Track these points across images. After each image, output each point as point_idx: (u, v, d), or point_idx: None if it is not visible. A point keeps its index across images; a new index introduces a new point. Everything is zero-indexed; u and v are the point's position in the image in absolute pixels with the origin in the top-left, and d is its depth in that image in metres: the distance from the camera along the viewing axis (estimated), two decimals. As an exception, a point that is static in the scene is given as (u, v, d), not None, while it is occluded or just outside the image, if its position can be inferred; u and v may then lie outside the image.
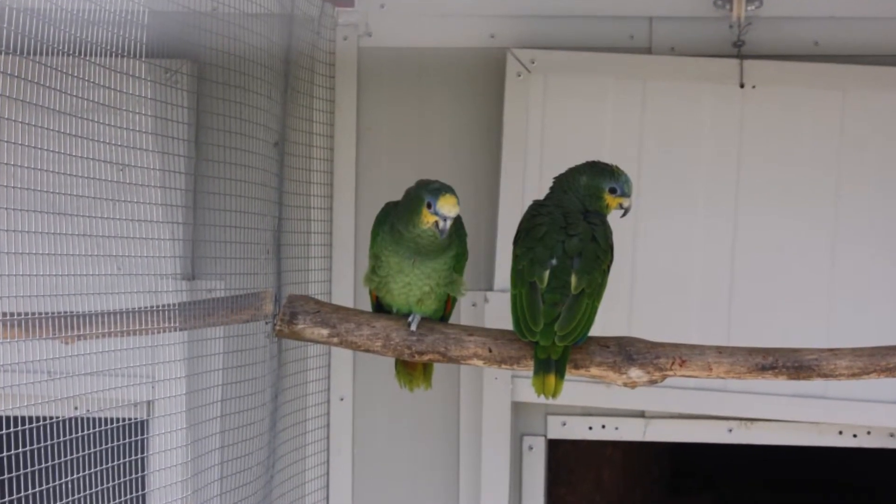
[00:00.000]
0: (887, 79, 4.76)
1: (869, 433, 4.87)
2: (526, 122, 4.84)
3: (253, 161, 4.13)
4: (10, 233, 2.86)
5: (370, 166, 5.02)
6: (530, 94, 4.84)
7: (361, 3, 4.97)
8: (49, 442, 3.03)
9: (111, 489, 3.27)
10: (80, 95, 3.09)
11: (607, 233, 3.85)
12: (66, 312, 3.05)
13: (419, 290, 3.87)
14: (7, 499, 2.83)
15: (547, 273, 3.77)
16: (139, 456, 3.43)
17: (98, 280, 3.19)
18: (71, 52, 3.01)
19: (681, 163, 4.83)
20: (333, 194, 4.98)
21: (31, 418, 2.92)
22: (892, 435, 4.86)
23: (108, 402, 3.37)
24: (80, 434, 3.14)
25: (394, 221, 3.84)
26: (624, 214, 3.92)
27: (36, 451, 2.94)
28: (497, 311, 4.74)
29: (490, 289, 4.87)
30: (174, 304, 3.55)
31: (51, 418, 3.04)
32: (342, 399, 5.01)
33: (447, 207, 3.71)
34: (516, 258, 3.85)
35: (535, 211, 3.90)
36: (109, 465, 3.26)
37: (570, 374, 3.78)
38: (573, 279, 3.76)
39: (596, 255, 3.79)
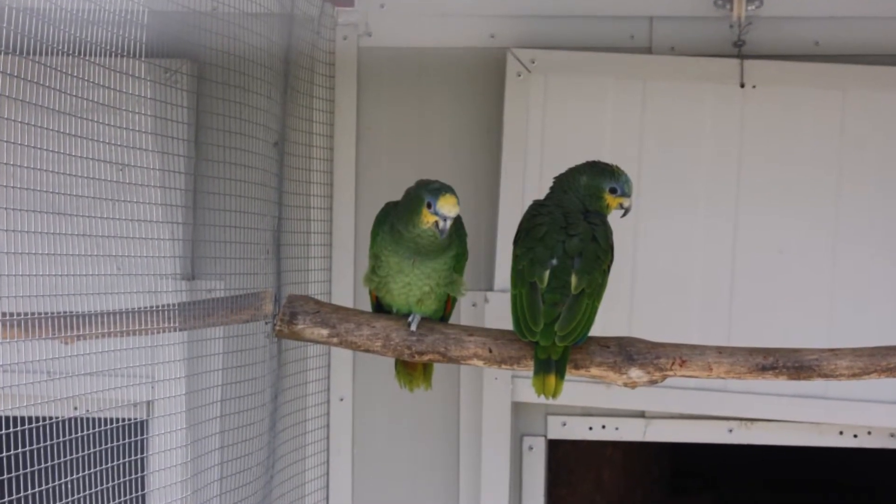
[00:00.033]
0: (888, 78, 4.76)
1: (869, 433, 4.87)
2: (526, 122, 4.84)
3: (253, 161, 4.13)
4: (10, 233, 2.85)
5: (370, 166, 5.02)
6: (530, 94, 4.83)
7: (361, 2, 4.96)
8: (49, 442, 3.02)
9: (111, 489, 3.27)
10: (80, 95, 3.09)
11: (608, 233, 3.85)
12: (65, 312, 3.04)
13: (419, 290, 3.87)
14: (7, 499, 2.82)
15: (547, 273, 3.76)
16: (139, 456, 3.43)
17: (98, 280, 3.18)
18: (70, 52, 3.00)
19: (681, 163, 4.83)
20: (333, 194, 4.98)
21: (30, 418, 2.92)
22: (892, 435, 4.86)
23: (108, 403, 3.37)
24: (79, 434, 3.13)
25: (394, 221, 3.84)
26: (624, 214, 3.92)
27: (36, 452, 2.93)
28: (497, 311, 4.73)
29: (490, 289, 4.86)
30: (174, 305, 3.55)
31: (50, 418, 3.04)
32: (342, 399, 5.01)
33: (447, 207, 3.71)
34: (516, 258, 3.84)
35: (536, 211, 3.89)
36: (109, 465, 3.25)
37: (570, 375, 3.78)
38: (573, 279, 3.75)
39: (596, 255, 3.79)
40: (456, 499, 4.97)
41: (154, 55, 3.31)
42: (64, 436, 3.08)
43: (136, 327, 3.35)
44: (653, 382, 3.87)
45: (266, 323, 3.96)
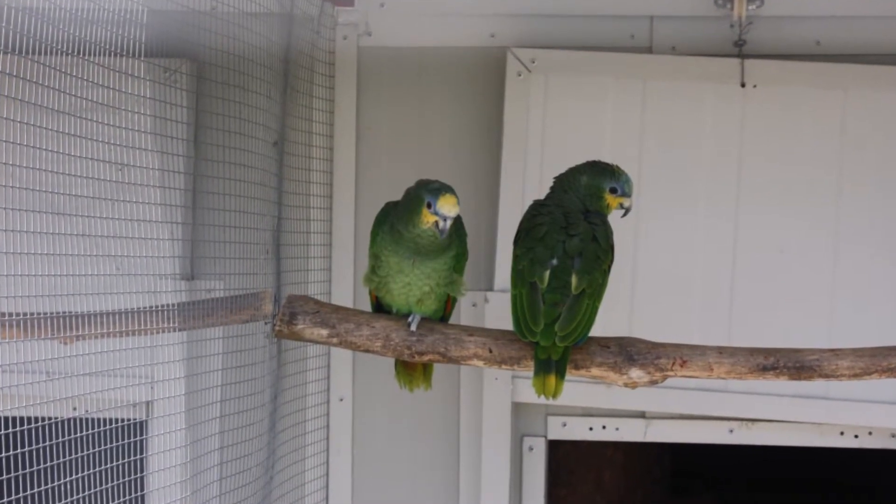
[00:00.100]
0: (888, 78, 4.76)
1: (870, 434, 4.86)
2: (526, 122, 4.84)
3: (252, 161, 4.12)
4: (9, 233, 2.85)
5: (370, 166, 5.01)
6: (531, 94, 4.83)
7: (361, 2, 4.96)
8: (48, 442, 3.02)
9: (110, 490, 3.27)
10: (79, 95, 3.08)
11: (608, 233, 3.84)
12: (64, 313, 3.04)
13: (419, 291, 3.86)
14: (6, 499, 2.82)
15: (547, 273, 3.76)
16: (138, 456, 3.42)
17: (97, 280, 3.18)
18: (70, 52, 3.00)
19: (681, 162, 4.83)
20: (333, 194, 4.97)
21: (29, 419, 2.91)
22: (893, 435, 4.85)
23: (107, 403, 3.36)
24: (79, 435, 3.13)
25: (394, 221, 3.83)
26: (624, 214, 3.91)
27: (35, 452, 2.93)
28: (497, 311, 4.73)
29: (490, 289, 4.86)
30: (173, 305, 3.54)
31: (50, 419, 3.04)
32: (342, 399, 5.00)
33: (447, 207, 3.70)
34: (516, 258, 3.84)
35: (536, 211, 3.89)
36: (109, 465, 3.25)
37: (570, 375, 3.77)
38: (574, 279, 3.75)
39: (596, 255, 3.78)
40: (456, 499, 4.97)
41: (153, 55, 3.30)
42: (63, 436, 3.08)
43: (136, 327, 3.34)
44: (653, 383, 3.86)
45: (266, 323, 3.95)
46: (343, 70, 4.97)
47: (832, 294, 4.78)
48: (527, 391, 4.26)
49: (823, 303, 4.78)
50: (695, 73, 4.81)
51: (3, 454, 2.79)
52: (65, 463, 3.08)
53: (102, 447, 3.22)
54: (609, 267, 3.85)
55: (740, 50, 4.80)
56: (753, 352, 3.84)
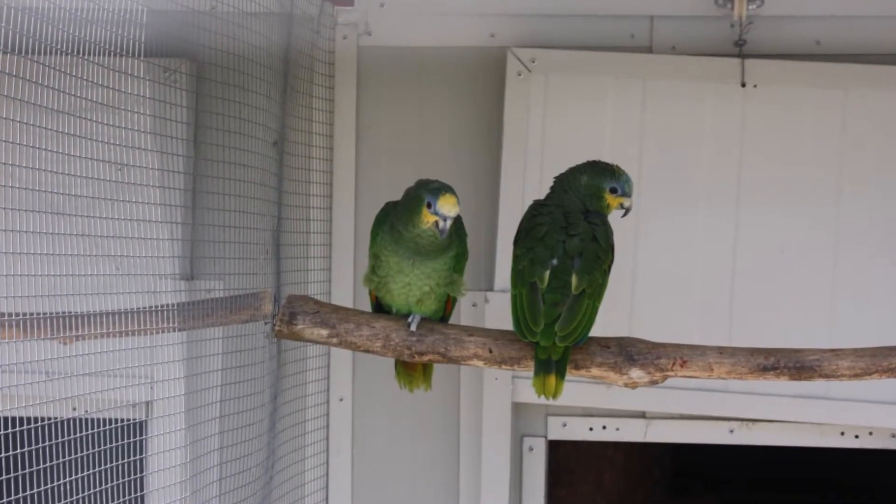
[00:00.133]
0: (889, 78, 4.75)
1: (871, 434, 4.86)
2: (526, 122, 4.83)
3: (252, 161, 4.12)
4: (8, 233, 2.85)
5: (370, 166, 5.01)
6: (531, 94, 4.83)
7: (361, 2, 4.95)
8: (47, 443, 3.02)
9: (110, 490, 3.26)
10: (79, 94, 3.08)
11: (608, 233, 3.84)
12: (64, 313, 3.04)
13: (419, 291, 3.86)
14: (6, 500, 2.82)
15: (547, 273, 3.75)
16: (138, 457, 3.42)
17: (96, 280, 3.18)
18: (69, 51, 3.00)
19: (682, 162, 4.82)
20: (333, 194, 4.97)
21: (29, 419, 2.91)
22: (893, 436, 4.85)
23: (107, 403, 3.36)
24: (78, 435, 3.13)
25: (393, 221, 3.83)
26: (625, 214, 3.91)
27: (34, 452, 2.93)
28: (497, 311, 4.73)
29: (490, 289, 4.86)
30: (173, 305, 3.54)
31: (49, 419, 3.03)
32: (342, 399, 5.00)
33: (447, 207, 3.70)
34: (517, 258, 3.83)
35: (536, 211, 3.88)
36: (108, 466, 3.24)
37: (570, 375, 3.77)
38: (574, 279, 3.74)
39: (597, 255, 3.78)
40: (456, 500, 4.97)
41: (153, 54, 3.30)
42: (63, 436, 3.08)
43: (135, 327, 3.34)
44: (653, 383, 3.86)
45: (265, 323, 3.95)
46: (343, 70, 4.97)
47: (832, 294, 4.77)
48: (527, 391, 4.26)
49: (824, 303, 4.78)
50: (695, 72, 4.81)
51: (3, 454, 2.79)
52: (64, 463, 3.07)
53: (102, 447, 3.21)
54: (609, 267, 3.84)
55: (740, 50, 4.80)
56: (754, 352, 3.83)
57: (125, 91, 3.30)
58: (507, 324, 3.86)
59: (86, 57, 3.08)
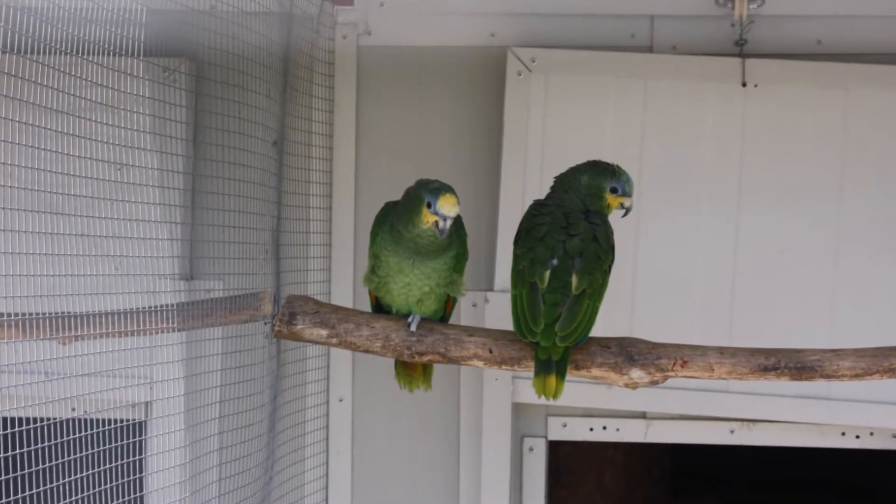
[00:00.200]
0: (889, 77, 4.75)
1: (872, 434, 4.85)
2: (526, 122, 4.83)
3: (252, 160, 4.11)
4: (8, 233, 2.84)
5: (370, 166, 5.00)
6: (531, 94, 4.82)
7: (361, 1, 4.95)
8: (47, 443, 3.01)
9: (109, 490, 3.26)
10: (78, 94, 3.07)
11: (608, 233, 3.83)
12: (63, 313, 3.03)
13: (419, 291, 3.86)
14: (6, 500, 2.81)
15: (548, 273, 3.75)
16: (138, 457, 3.41)
17: (96, 280, 3.17)
18: (69, 51, 2.99)
19: (682, 162, 4.82)
20: (332, 194, 4.97)
21: (28, 419, 2.91)
22: (894, 436, 4.85)
23: (106, 403, 3.36)
24: (78, 435, 3.12)
25: (393, 221, 3.82)
26: (625, 214, 3.90)
27: (34, 453, 2.92)
28: (497, 311, 4.72)
29: (490, 289, 4.85)
30: (172, 305, 3.53)
31: (49, 419, 3.03)
32: (341, 400, 4.99)
33: (447, 207, 3.69)
34: (517, 258, 3.83)
35: (536, 211, 3.88)
36: (108, 466, 3.24)
37: (570, 375, 3.76)
38: (574, 279, 3.74)
39: (597, 255, 3.77)
40: (456, 500, 4.96)
41: (152, 54, 3.30)
42: (62, 437, 3.07)
43: (135, 328, 3.33)
44: (654, 383, 3.85)
45: (265, 323, 3.94)
46: (343, 69, 4.96)
47: (833, 294, 4.77)
48: (527, 391, 4.26)
49: (824, 303, 4.77)
50: (696, 72, 4.80)
51: (3, 454, 2.78)
52: (64, 463, 3.07)
53: (101, 448, 3.21)
54: (609, 267, 3.84)
55: (741, 49, 4.80)
56: (754, 352, 3.83)
57: (124, 91, 3.29)
58: (507, 324, 3.86)
59: (85, 56, 3.08)
